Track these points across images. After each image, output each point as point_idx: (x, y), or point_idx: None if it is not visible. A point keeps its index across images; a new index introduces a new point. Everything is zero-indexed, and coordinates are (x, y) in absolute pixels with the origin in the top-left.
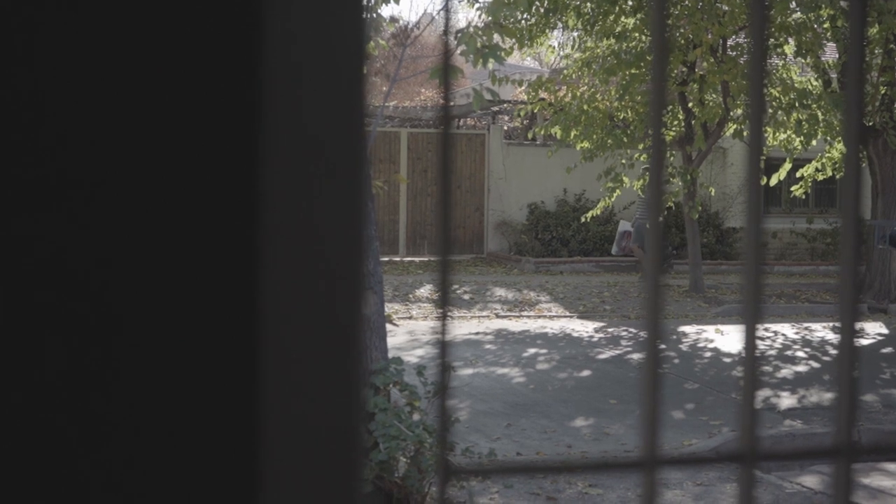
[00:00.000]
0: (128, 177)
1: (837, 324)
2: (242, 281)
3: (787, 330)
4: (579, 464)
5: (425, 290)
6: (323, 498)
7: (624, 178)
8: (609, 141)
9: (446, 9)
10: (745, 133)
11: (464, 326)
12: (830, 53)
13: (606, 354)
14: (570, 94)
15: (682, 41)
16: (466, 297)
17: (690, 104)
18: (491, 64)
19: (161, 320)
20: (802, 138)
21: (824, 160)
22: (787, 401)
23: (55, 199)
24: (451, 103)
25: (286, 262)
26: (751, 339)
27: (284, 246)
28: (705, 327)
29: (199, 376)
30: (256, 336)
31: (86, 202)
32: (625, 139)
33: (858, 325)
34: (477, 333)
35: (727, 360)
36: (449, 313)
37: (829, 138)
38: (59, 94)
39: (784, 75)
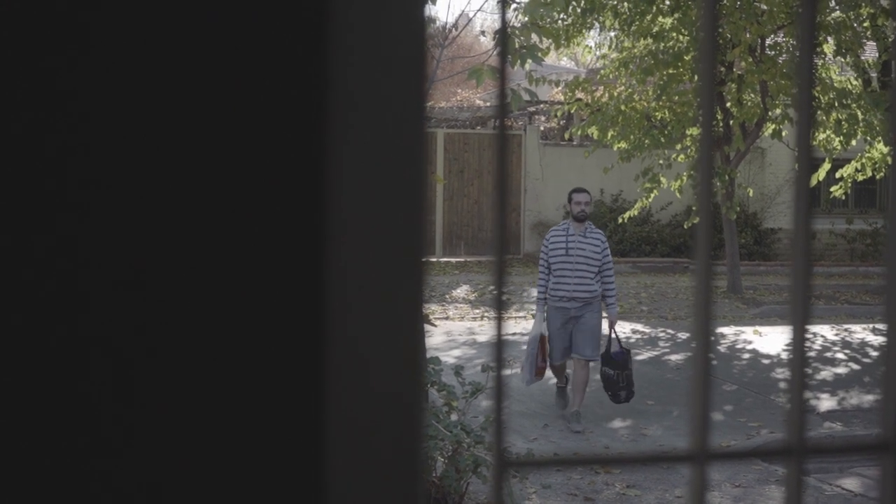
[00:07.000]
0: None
1: (879, 325)
2: (310, 280)
3: (827, 332)
4: (630, 457)
5: (462, 291)
6: (388, 492)
7: (661, 179)
8: (646, 141)
9: (501, 13)
10: (783, 133)
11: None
12: (870, 52)
13: (644, 355)
14: (607, 95)
15: (721, 41)
16: (503, 297)
17: (728, 104)
18: (528, 64)
19: (234, 319)
20: (842, 138)
21: (864, 160)
22: (826, 403)
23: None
24: (488, 104)
25: (351, 263)
26: (799, 327)
27: (349, 245)
28: (743, 329)
29: (270, 372)
30: (322, 331)
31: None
32: (662, 139)
33: None
34: (514, 334)
35: (766, 361)
36: (486, 314)
37: (868, 138)
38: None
39: (823, 74)
